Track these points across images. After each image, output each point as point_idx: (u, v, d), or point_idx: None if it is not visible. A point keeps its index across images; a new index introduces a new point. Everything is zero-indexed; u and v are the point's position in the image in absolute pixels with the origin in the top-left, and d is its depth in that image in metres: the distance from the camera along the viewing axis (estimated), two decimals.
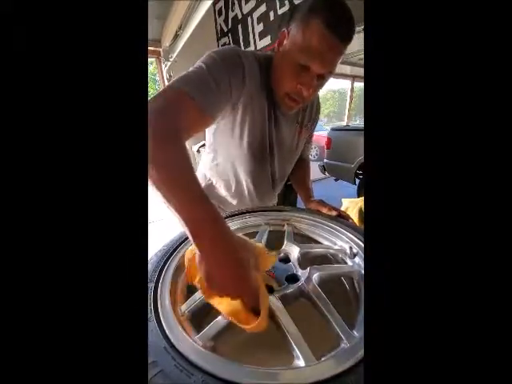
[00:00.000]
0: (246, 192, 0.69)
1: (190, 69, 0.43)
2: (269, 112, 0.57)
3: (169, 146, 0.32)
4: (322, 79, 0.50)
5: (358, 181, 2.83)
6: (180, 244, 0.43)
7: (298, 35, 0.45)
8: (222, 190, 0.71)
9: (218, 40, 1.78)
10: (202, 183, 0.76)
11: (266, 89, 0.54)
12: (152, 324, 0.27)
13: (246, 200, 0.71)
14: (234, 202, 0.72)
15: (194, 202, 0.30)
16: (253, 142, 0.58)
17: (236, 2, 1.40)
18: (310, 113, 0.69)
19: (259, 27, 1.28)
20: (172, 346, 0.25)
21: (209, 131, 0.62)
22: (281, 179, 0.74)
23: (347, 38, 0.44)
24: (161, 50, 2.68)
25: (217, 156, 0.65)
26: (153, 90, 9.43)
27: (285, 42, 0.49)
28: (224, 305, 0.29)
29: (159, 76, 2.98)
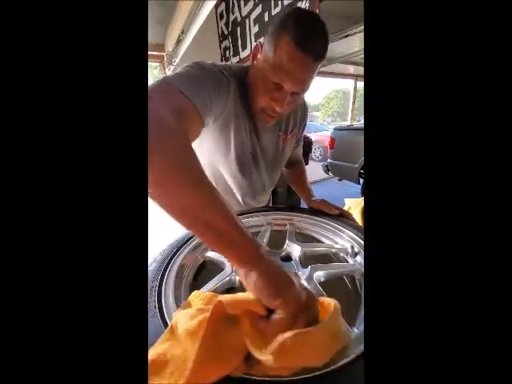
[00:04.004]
0: (232, 197, 0.69)
1: (181, 70, 0.41)
2: (248, 123, 0.57)
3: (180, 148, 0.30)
4: (295, 95, 0.49)
5: (362, 181, 2.80)
6: (185, 242, 0.44)
7: (269, 52, 0.44)
8: None
9: (219, 43, 1.80)
10: None
11: (244, 101, 0.54)
12: (156, 320, 0.28)
13: (234, 204, 0.71)
14: None
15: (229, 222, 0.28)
16: (236, 152, 0.58)
17: (236, 5, 1.42)
18: (294, 119, 0.68)
19: (255, 29, 1.29)
20: None
21: None
22: (268, 185, 0.74)
23: (319, 56, 0.43)
24: (164, 54, 2.73)
25: (201, 160, 0.66)
26: None
27: (258, 55, 0.48)
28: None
29: None
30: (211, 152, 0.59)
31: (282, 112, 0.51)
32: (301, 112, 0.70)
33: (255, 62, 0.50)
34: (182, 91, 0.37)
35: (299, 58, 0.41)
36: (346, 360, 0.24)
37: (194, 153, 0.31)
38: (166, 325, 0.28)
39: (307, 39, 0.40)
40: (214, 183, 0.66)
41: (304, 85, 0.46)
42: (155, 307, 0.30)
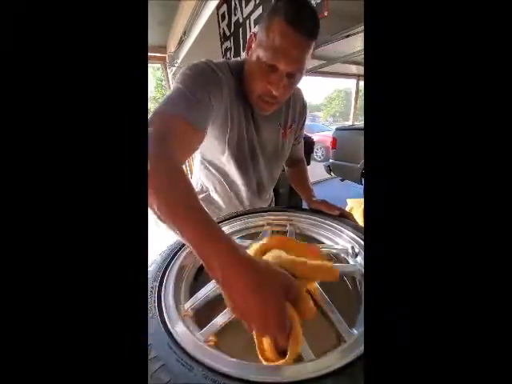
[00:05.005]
0: (234, 194, 0.70)
1: (168, 93, 0.44)
2: (246, 116, 0.57)
3: (167, 172, 0.31)
4: (292, 77, 0.49)
5: (364, 181, 2.79)
6: (184, 245, 0.45)
7: (262, 36, 0.45)
8: (212, 193, 0.72)
9: (221, 44, 1.81)
10: (196, 188, 0.76)
11: (242, 94, 0.54)
12: (155, 321, 0.28)
13: (235, 202, 0.72)
14: (224, 205, 0.73)
15: (199, 227, 0.28)
16: (234, 146, 0.59)
17: (238, 7, 1.42)
18: (292, 114, 0.68)
19: (255, 29, 1.29)
20: (174, 341, 0.26)
21: None
22: (269, 182, 0.74)
23: (311, 34, 0.44)
24: (166, 55, 2.74)
25: (204, 159, 0.67)
26: (160, 95, 9.62)
27: (253, 45, 0.49)
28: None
29: (165, 81, 3.04)
30: (213, 148, 0.60)
31: (279, 97, 0.51)
32: (300, 107, 0.70)
33: (250, 51, 0.50)
34: (175, 114, 0.40)
35: (291, 35, 0.42)
36: (345, 361, 0.24)
37: (179, 174, 0.32)
38: (165, 325, 0.28)
39: (298, 17, 0.42)
40: (218, 181, 0.68)
41: (298, 64, 0.47)
42: (155, 308, 0.30)
